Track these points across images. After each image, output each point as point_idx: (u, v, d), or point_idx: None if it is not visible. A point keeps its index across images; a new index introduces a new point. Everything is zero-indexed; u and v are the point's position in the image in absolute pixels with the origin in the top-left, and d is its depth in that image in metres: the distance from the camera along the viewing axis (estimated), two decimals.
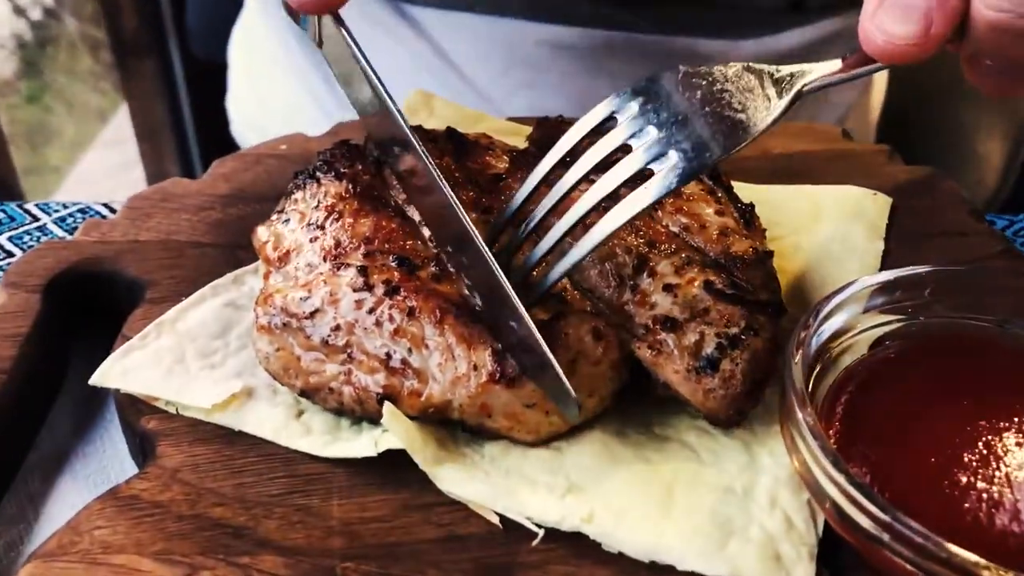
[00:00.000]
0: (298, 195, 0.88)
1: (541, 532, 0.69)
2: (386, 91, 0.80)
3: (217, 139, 1.86)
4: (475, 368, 0.72)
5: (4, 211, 1.13)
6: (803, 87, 0.72)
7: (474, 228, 0.73)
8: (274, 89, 1.57)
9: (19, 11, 4.06)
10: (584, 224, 0.71)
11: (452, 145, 0.93)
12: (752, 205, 0.89)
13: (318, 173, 0.88)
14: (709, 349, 0.73)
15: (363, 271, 0.76)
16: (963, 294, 0.77)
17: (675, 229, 0.83)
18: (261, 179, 1.06)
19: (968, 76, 0.73)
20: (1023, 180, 2.10)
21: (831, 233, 0.96)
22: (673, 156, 0.69)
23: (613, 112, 0.73)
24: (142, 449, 0.78)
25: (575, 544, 0.69)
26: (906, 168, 1.11)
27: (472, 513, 0.71)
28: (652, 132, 0.70)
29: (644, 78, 0.73)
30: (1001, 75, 0.71)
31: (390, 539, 0.69)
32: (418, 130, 0.95)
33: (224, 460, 0.75)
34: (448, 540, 0.69)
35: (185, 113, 3.03)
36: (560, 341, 0.72)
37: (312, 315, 0.76)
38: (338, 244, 0.80)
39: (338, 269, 0.78)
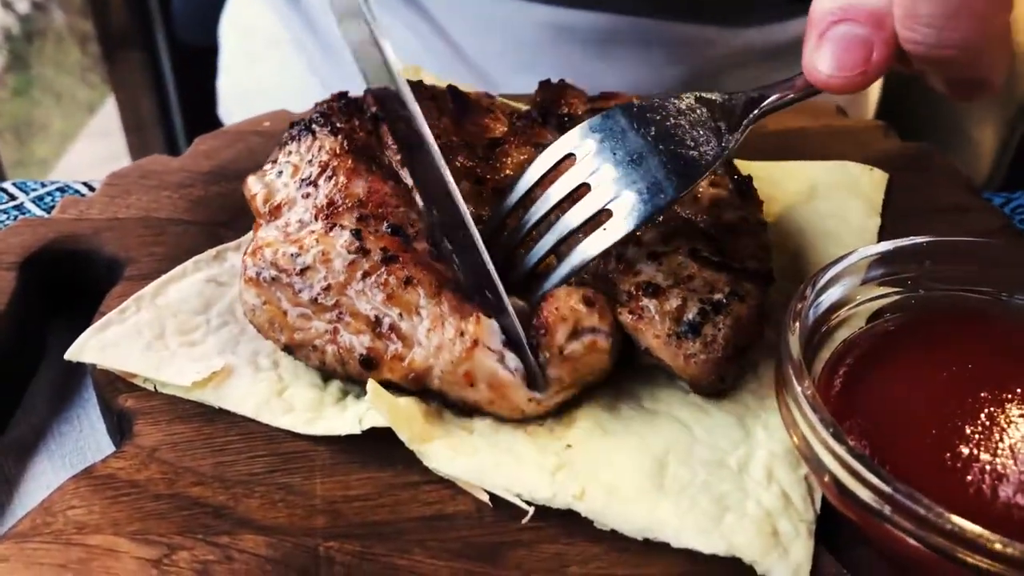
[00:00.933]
0: (292, 147, 0.86)
1: (531, 510, 0.67)
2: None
3: (205, 130, 1.84)
4: (461, 334, 0.70)
5: None
6: (753, 117, 0.74)
7: (467, 213, 0.73)
8: (270, 66, 1.55)
9: (6, 4, 4.03)
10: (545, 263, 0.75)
11: (453, 104, 0.91)
12: (749, 177, 0.88)
13: (314, 125, 0.86)
14: (691, 314, 0.72)
15: (358, 235, 0.75)
16: (963, 266, 0.75)
17: None
18: (243, 156, 1.04)
19: (929, 85, 0.73)
20: (1017, 164, 2.08)
21: (827, 209, 0.94)
22: (630, 197, 0.72)
23: (571, 151, 0.75)
24: (119, 428, 0.76)
25: (566, 522, 0.67)
26: (902, 144, 1.09)
27: (460, 492, 0.69)
28: (610, 171, 0.73)
29: (600, 115, 0.75)
30: (954, 86, 0.72)
31: (374, 518, 0.67)
32: (418, 85, 0.93)
33: (204, 439, 0.72)
34: (435, 519, 0.67)
35: (173, 104, 3.01)
36: (554, 316, 0.70)
37: (303, 272, 0.74)
38: (331, 203, 0.79)
39: (331, 229, 0.76)
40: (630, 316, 0.73)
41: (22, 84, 4.07)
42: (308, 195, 0.81)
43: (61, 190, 1.10)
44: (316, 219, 0.79)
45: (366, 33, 0.78)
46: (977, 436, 0.63)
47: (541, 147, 0.85)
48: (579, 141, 0.75)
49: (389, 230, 0.76)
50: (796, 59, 1.41)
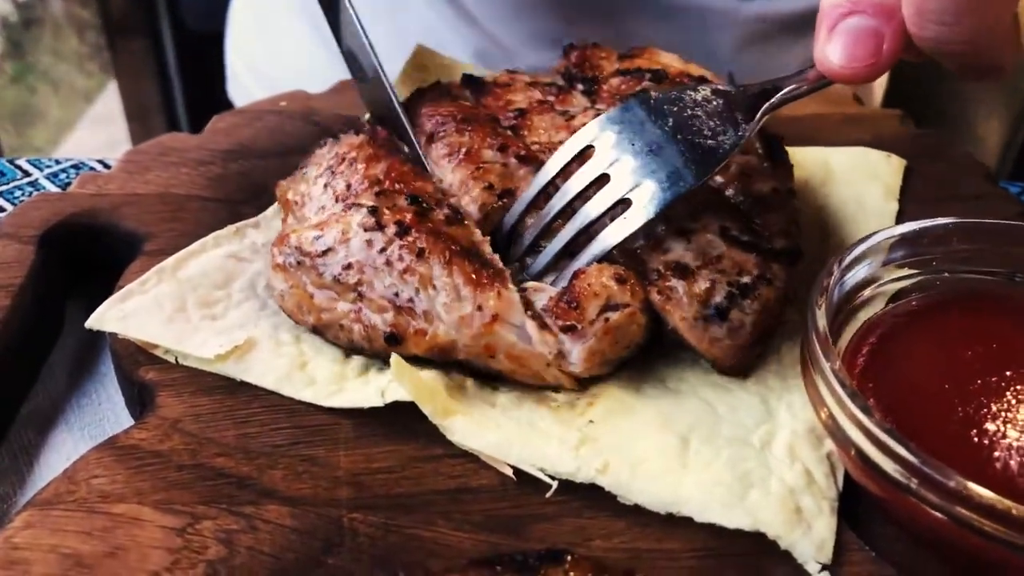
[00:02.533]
0: (319, 151, 0.88)
1: (555, 484, 0.67)
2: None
3: (207, 118, 1.84)
4: (479, 309, 0.71)
5: None
6: (768, 107, 0.75)
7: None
8: (282, 42, 1.54)
9: None
10: (569, 252, 0.76)
11: (468, 89, 0.92)
12: (781, 137, 0.88)
13: (340, 134, 0.88)
14: (719, 298, 0.72)
15: (374, 211, 0.75)
16: (984, 248, 0.76)
17: None
18: (262, 135, 1.04)
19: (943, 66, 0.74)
20: (1022, 158, 2.09)
21: (845, 194, 0.95)
22: (650, 185, 0.73)
23: (590, 143, 0.76)
24: (140, 400, 0.76)
25: (589, 496, 0.67)
26: (918, 132, 1.09)
27: (483, 465, 0.69)
28: (629, 161, 0.74)
29: (617, 107, 0.77)
30: (964, 71, 0.73)
31: (398, 490, 0.67)
32: (436, 86, 0.94)
33: (226, 411, 0.72)
34: (458, 492, 0.67)
35: (176, 91, 3.00)
36: (586, 291, 0.71)
37: (324, 253, 0.75)
38: (349, 186, 0.80)
39: (349, 209, 0.77)
40: (658, 296, 0.73)
41: (20, 71, 4.05)
42: (328, 184, 0.82)
43: (76, 167, 1.10)
44: (336, 202, 0.80)
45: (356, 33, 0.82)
46: (1000, 413, 0.63)
47: (567, 114, 0.85)
48: (598, 133, 0.76)
49: (407, 200, 0.77)
50: (799, 35, 1.41)
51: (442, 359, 0.73)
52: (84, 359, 0.87)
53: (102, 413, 0.82)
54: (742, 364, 0.74)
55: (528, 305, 0.72)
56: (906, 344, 0.70)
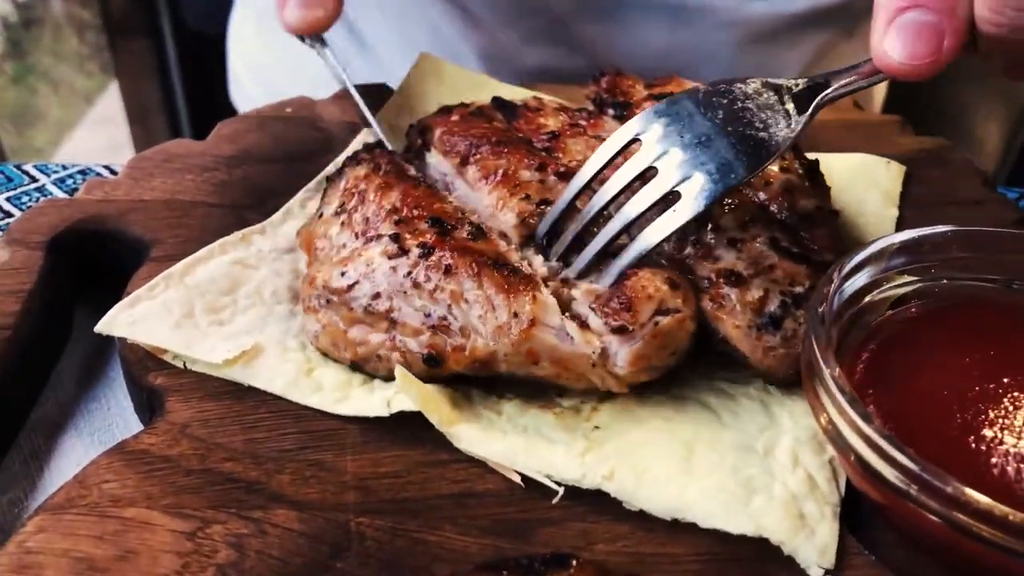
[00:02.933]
0: (329, 191, 0.89)
1: (561, 490, 0.68)
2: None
3: (209, 119, 1.85)
4: (515, 316, 0.71)
5: (2, 172, 1.11)
6: (822, 100, 0.74)
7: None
8: (285, 43, 1.54)
9: None
10: (612, 253, 0.74)
11: (500, 112, 0.93)
12: (816, 161, 0.89)
13: (344, 168, 0.89)
14: (773, 307, 0.73)
15: (395, 238, 0.76)
16: (984, 255, 0.76)
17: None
18: (266, 141, 1.05)
19: (986, 64, 0.74)
20: (1021, 163, 2.10)
21: (845, 200, 0.95)
22: (700, 178, 0.71)
23: (638, 133, 0.75)
24: (149, 405, 0.76)
25: (593, 501, 0.68)
26: (918, 139, 1.10)
27: (488, 470, 0.70)
28: (678, 154, 0.73)
29: (666, 100, 0.75)
30: (1013, 67, 0.73)
31: (405, 494, 0.68)
32: (465, 106, 0.96)
33: (234, 416, 0.73)
34: (464, 496, 0.68)
35: (177, 92, 3.00)
36: (639, 294, 0.71)
37: (351, 287, 0.75)
38: (367, 220, 0.80)
39: (369, 241, 0.77)
40: (711, 303, 0.73)
41: (20, 72, 4.05)
42: (344, 223, 0.83)
43: (83, 173, 1.11)
44: (356, 238, 0.80)
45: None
46: (999, 420, 0.64)
47: (601, 138, 0.86)
48: (645, 125, 0.75)
49: (428, 223, 0.77)
50: (813, 33, 1.41)
51: (484, 373, 0.73)
52: (93, 365, 0.88)
53: (111, 418, 0.83)
54: (795, 375, 0.73)
55: (565, 307, 0.72)
56: (905, 351, 0.71)
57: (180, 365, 0.76)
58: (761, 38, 1.39)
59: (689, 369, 0.77)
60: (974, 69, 2.20)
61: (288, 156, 1.03)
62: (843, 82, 0.75)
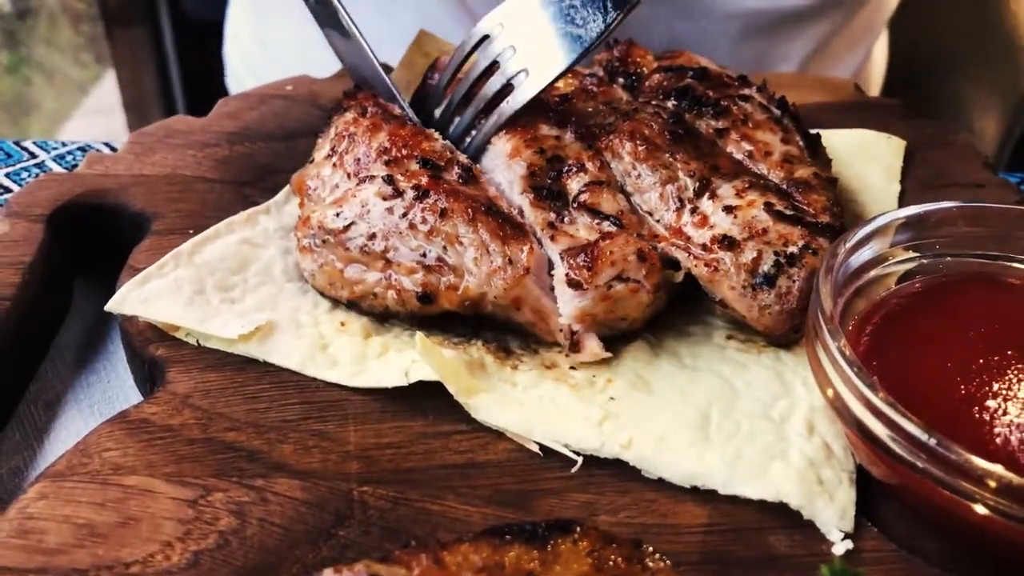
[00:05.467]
0: (319, 140, 0.90)
1: (580, 460, 0.68)
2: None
3: (206, 107, 1.84)
4: (511, 262, 0.72)
5: (1, 148, 1.10)
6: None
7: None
8: (281, 33, 1.55)
9: None
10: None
11: None
12: (818, 134, 0.90)
13: (332, 117, 0.90)
14: (766, 266, 0.74)
15: (389, 179, 0.77)
16: (987, 232, 0.76)
17: (739, 156, 0.84)
18: (267, 118, 1.04)
19: None
20: (1018, 155, 2.11)
21: (847, 175, 0.95)
22: (528, 71, 0.84)
23: (487, 33, 0.86)
24: (151, 376, 0.76)
25: (595, 472, 0.68)
26: (919, 121, 1.10)
27: (490, 441, 0.70)
28: (512, 51, 0.85)
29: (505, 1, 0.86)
30: None
31: (408, 464, 0.68)
32: None
33: (236, 386, 0.73)
34: (467, 467, 0.68)
35: (174, 81, 2.99)
36: (605, 258, 0.72)
37: (347, 228, 0.77)
38: (358, 161, 0.81)
39: (362, 182, 0.78)
40: (705, 269, 0.74)
41: (14, 62, 4.03)
42: (337, 164, 0.84)
43: (82, 149, 1.11)
44: (349, 178, 0.81)
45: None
46: (1001, 391, 0.64)
47: (610, 106, 0.89)
48: (493, 26, 0.86)
49: (419, 163, 0.79)
50: (809, 28, 1.41)
51: (471, 312, 0.74)
52: (92, 338, 0.88)
53: (111, 391, 0.83)
54: (793, 332, 0.75)
55: (551, 266, 0.75)
56: (910, 324, 0.71)
57: (192, 342, 0.76)
58: (760, 31, 1.40)
59: (703, 339, 0.78)
60: (972, 66, 2.20)
61: (288, 133, 1.03)
62: None
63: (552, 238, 0.75)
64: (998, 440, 0.62)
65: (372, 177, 0.78)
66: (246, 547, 0.61)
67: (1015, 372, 0.65)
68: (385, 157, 0.80)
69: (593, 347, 0.73)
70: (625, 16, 0.81)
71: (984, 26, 2.20)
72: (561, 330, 0.73)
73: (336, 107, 0.92)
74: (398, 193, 0.76)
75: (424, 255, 0.74)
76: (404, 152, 0.80)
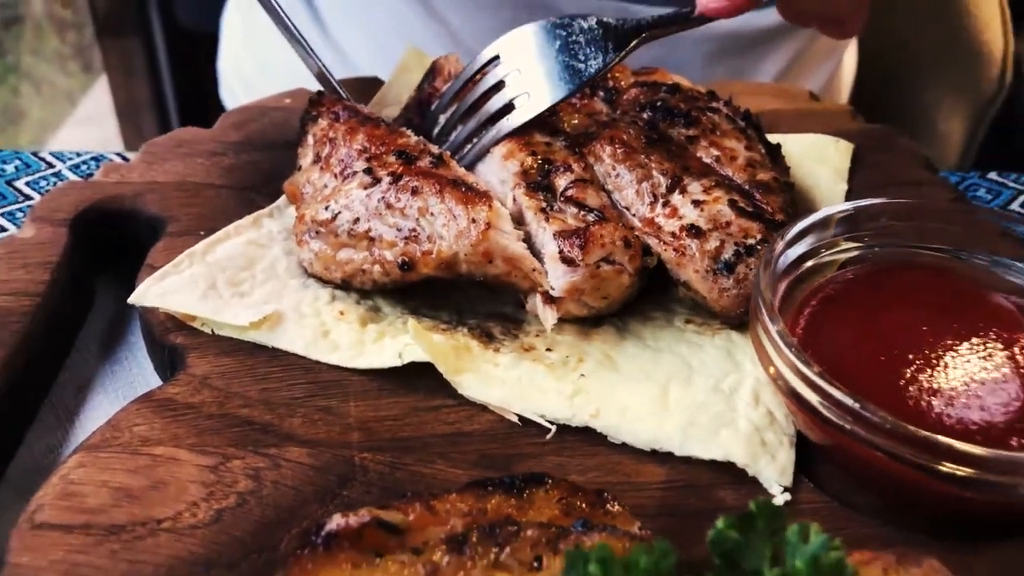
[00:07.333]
0: (300, 149, 1.00)
1: (554, 428, 0.77)
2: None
3: (199, 117, 1.90)
4: (474, 221, 0.81)
5: (20, 159, 1.19)
6: (637, 42, 0.91)
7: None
8: (272, 51, 1.63)
9: None
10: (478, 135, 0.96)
11: None
12: (779, 145, 1.01)
13: (305, 126, 1.01)
14: (727, 254, 0.83)
15: (368, 171, 0.88)
16: (916, 225, 0.86)
17: (708, 160, 0.94)
18: (269, 129, 1.13)
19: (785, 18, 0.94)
20: (981, 156, 2.20)
21: (799, 176, 1.05)
22: (530, 95, 0.93)
23: (498, 54, 0.95)
24: (171, 362, 0.85)
25: (569, 442, 0.77)
26: (867, 126, 1.20)
27: (475, 413, 0.79)
28: (518, 75, 0.93)
29: (520, 28, 0.94)
30: (812, 19, 0.92)
31: (402, 434, 0.77)
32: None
33: (248, 369, 0.82)
34: (455, 435, 0.77)
35: (167, 90, 3.04)
36: (596, 241, 0.81)
37: (335, 218, 0.87)
38: (342, 161, 0.92)
39: (347, 179, 0.89)
40: (674, 253, 0.84)
41: (1, 72, 4.04)
42: (323, 168, 0.93)
43: (96, 159, 1.19)
44: (335, 178, 0.91)
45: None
46: (918, 362, 0.74)
47: (592, 117, 1.00)
48: (502, 49, 0.95)
49: (395, 156, 0.89)
50: (779, 47, 1.48)
51: (449, 274, 0.83)
52: (114, 332, 0.96)
53: (133, 377, 0.92)
54: (744, 314, 0.84)
55: (518, 221, 0.85)
56: (843, 307, 0.80)
57: (208, 331, 0.85)
58: (731, 52, 1.47)
59: (664, 324, 0.88)
60: (937, 70, 2.30)
61: (287, 143, 1.11)
62: (660, 27, 0.91)
63: (547, 220, 0.84)
64: (914, 404, 0.71)
65: (355, 173, 0.88)
66: (262, 505, 0.70)
67: (930, 346, 0.75)
68: (365, 155, 0.90)
69: (550, 316, 0.82)
70: (623, 58, 0.90)
71: (948, 35, 2.28)
72: (535, 270, 0.82)
73: (307, 116, 1.02)
74: (376, 181, 0.86)
75: (400, 229, 0.84)
76: (382, 148, 0.91)
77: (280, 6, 1.04)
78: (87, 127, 3.85)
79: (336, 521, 0.60)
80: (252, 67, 1.71)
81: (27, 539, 0.67)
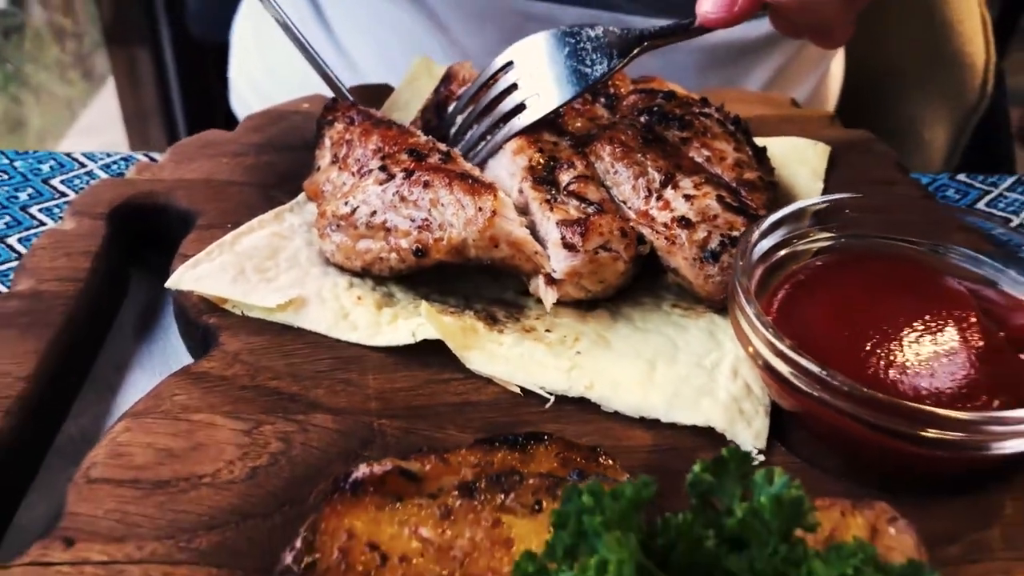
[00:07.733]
0: (317, 151, 1.09)
1: (552, 398, 0.86)
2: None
3: (206, 125, 1.95)
4: (480, 209, 0.90)
5: (55, 159, 1.27)
6: (639, 50, 0.99)
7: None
8: (283, 60, 1.71)
9: None
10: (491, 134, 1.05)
11: None
12: (765, 148, 1.10)
13: (322, 130, 1.09)
14: (714, 244, 0.92)
15: (383, 168, 0.96)
16: (882, 218, 0.95)
17: (699, 159, 1.03)
18: (288, 132, 1.22)
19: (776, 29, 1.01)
20: (964, 164, 2.29)
21: (780, 176, 1.14)
22: (540, 96, 1.01)
23: (511, 59, 1.04)
24: (204, 340, 0.93)
25: (566, 411, 0.86)
26: (845, 131, 1.29)
27: (482, 386, 0.88)
28: (530, 78, 1.02)
29: (533, 36, 1.03)
30: (803, 30, 1.00)
31: (416, 403, 0.85)
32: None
33: (276, 346, 0.91)
34: (463, 405, 0.86)
35: (175, 99, 3.10)
36: (596, 230, 0.90)
37: (353, 212, 0.95)
38: (358, 160, 1.01)
39: (363, 176, 0.97)
40: (665, 242, 0.93)
41: (2, 80, 4.04)
42: (341, 167, 1.02)
43: (125, 159, 1.28)
44: (353, 176, 1.00)
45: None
46: (879, 337, 0.82)
47: (594, 121, 1.09)
48: (516, 54, 1.03)
49: (406, 154, 0.98)
50: (768, 56, 1.56)
51: (459, 259, 0.92)
52: (147, 316, 1.05)
53: (167, 357, 1.00)
54: (725, 299, 0.92)
55: (523, 212, 0.93)
56: (813, 292, 0.89)
57: (238, 312, 0.93)
58: (722, 62, 1.55)
59: (653, 308, 0.97)
60: (922, 81, 2.38)
61: (305, 145, 1.20)
62: (662, 37, 0.99)
63: (551, 209, 0.93)
64: (874, 373, 0.80)
65: (371, 170, 0.97)
66: (292, 464, 0.79)
67: (890, 324, 0.83)
68: (380, 154, 0.99)
69: (550, 295, 0.90)
70: (626, 64, 0.99)
71: (933, 47, 2.36)
72: (538, 252, 0.90)
73: (323, 120, 1.11)
74: (391, 177, 0.95)
75: (413, 220, 0.92)
76: (395, 148, 0.99)
77: (290, 18, 1.12)
78: (89, 136, 3.89)
79: (362, 470, 0.68)
80: (263, 75, 1.79)
81: (83, 492, 0.75)
